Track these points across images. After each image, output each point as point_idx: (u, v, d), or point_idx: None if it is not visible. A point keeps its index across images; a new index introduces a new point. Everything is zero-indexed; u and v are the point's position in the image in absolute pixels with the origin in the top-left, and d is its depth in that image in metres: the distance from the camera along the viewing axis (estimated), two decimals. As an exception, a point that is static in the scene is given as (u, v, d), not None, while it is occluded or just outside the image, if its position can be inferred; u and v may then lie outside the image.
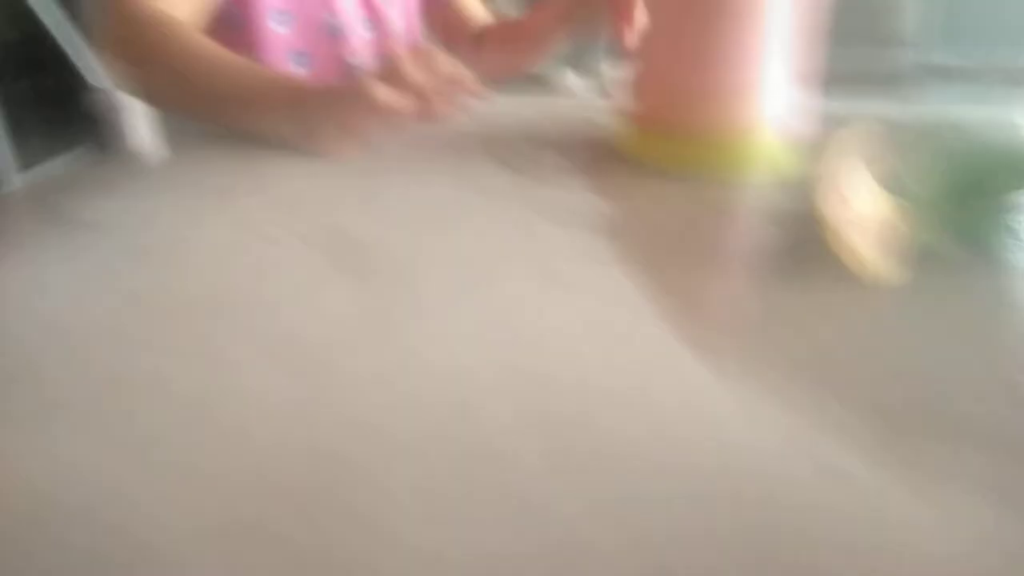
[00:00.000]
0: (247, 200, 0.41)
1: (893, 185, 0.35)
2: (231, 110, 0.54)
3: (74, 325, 0.28)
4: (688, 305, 0.30)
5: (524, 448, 0.21)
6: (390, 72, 0.48)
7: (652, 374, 0.25)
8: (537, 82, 1.02)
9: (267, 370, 0.25)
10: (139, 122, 0.94)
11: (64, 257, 0.34)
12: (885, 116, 0.59)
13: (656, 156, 0.49)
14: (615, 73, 0.51)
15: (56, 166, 2.69)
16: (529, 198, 0.42)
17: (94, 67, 2.27)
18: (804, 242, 0.36)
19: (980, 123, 0.58)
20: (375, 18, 0.81)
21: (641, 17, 0.49)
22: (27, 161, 2.51)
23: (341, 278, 0.32)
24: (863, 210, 0.32)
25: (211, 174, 0.46)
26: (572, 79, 1.04)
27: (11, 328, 0.28)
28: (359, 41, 0.79)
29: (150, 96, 0.61)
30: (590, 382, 0.24)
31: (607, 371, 0.25)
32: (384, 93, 0.47)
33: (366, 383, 0.24)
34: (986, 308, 0.30)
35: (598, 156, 0.51)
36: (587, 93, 1.04)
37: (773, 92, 0.46)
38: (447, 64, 0.49)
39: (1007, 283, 0.33)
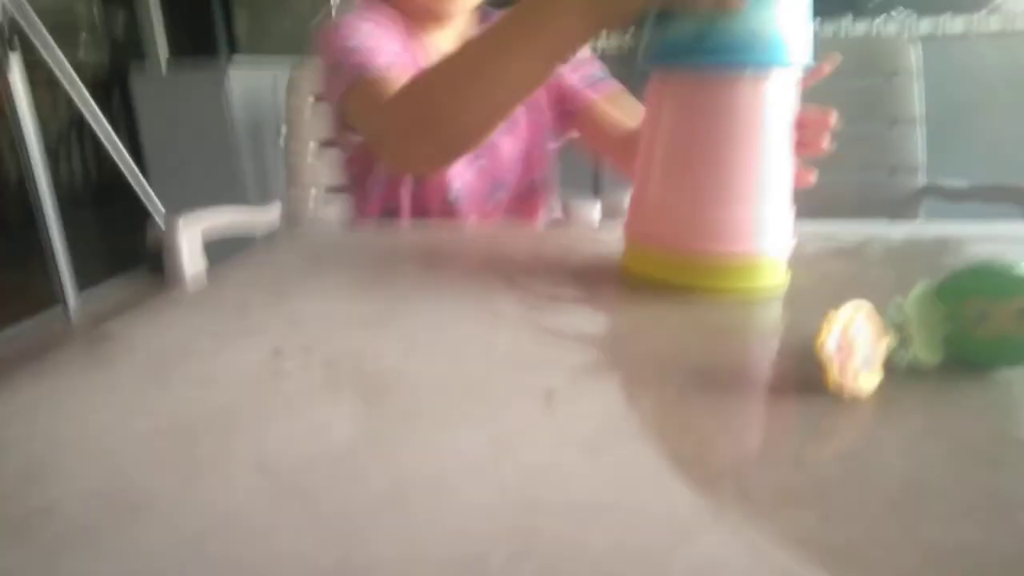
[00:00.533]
0: (271, 323, 0.43)
1: (890, 309, 0.36)
2: (517, 51, 0.50)
3: (85, 446, 0.30)
4: (683, 426, 0.30)
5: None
6: None
7: (646, 499, 0.25)
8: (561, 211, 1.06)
9: (267, 502, 0.26)
10: (186, 250, 1.01)
11: (90, 377, 0.36)
12: (888, 238, 0.61)
13: (654, 275, 0.50)
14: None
15: (112, 288, 2.85)
16: (537, 322, 0.43)
17: (152, 198, 2.45)
18: (798, 363, 0.37)
19: (984, 240, 0.60)
20: (492, 176, 0.83)
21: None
22: (85, 282, 2.66)
23: (350, 402, 0.33)
24: (855, 333, 0.33)
25: (242, 297, 0.49)
26: (593, 210, 1.09)
27: (22, 445, 0.30)
28: (464, 168, 0.82)
29: (458, 132, 0.56)
30: (585, 510, 0.25)
31: (600, 495, 0.26)
32: None
33: (360, 513, 0.25)
34: (981, 424, 0.30)
35: (607, 280, 0.53)
36: (605, 223, 1.08)
37: (770, 218, 0.48)
38: None
39: (1000, 399, 0.32)
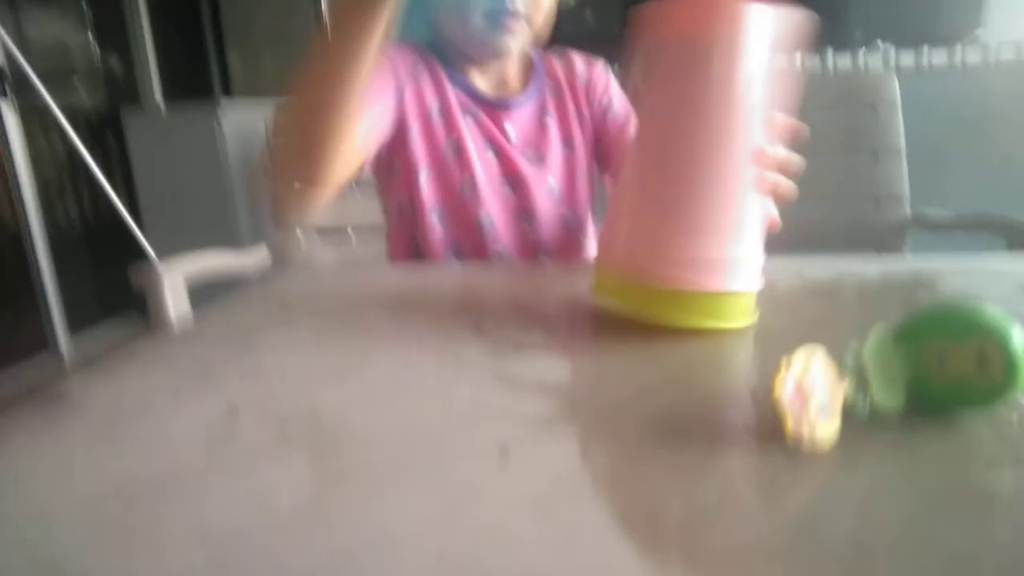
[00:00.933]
0: (231, 375, 0.43)
1: (847, 354, 0.35)
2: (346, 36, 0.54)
3: (27, 511, 0.29)
4: (637, 482, 0.30)
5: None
6: None
7: (592, 563, 0.25)
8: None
9: (200, 574, 0.25)
10: (170, 295, 1.01)
11: (38, 439, 0.36)
12: (863, 274, 0.61)
13: (620, 302, 0.50)
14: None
15: (105, 329, 2.84)
16: (500, 370, 0.43)
17: (142, 241, 2.46)
18: (760, 410, 0.36)
19: (960, 274, 0.60)
20: (524, 210, 0.85)
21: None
22: (78, 324, 2.66)
23: (299, 463, 0.33)
24: (811, 381, 0.33)
25: (205, 350, 0.48)
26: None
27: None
28: (505, 234, 0.84)
29: (310, 142, 0.61)
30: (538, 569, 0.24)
31: (547, 559, 0.25)
32: None
33: (305, 572, 0.24)
34: (941, 474, 0.30)
35: (575, 323, 0.53)
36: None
37: (743, 251, 0.48)
38: None
39: (962, 446, 0.32)
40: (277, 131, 0.64)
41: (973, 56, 2.03)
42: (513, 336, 0.49)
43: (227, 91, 3.61)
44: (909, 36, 2.50)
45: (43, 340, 2.52)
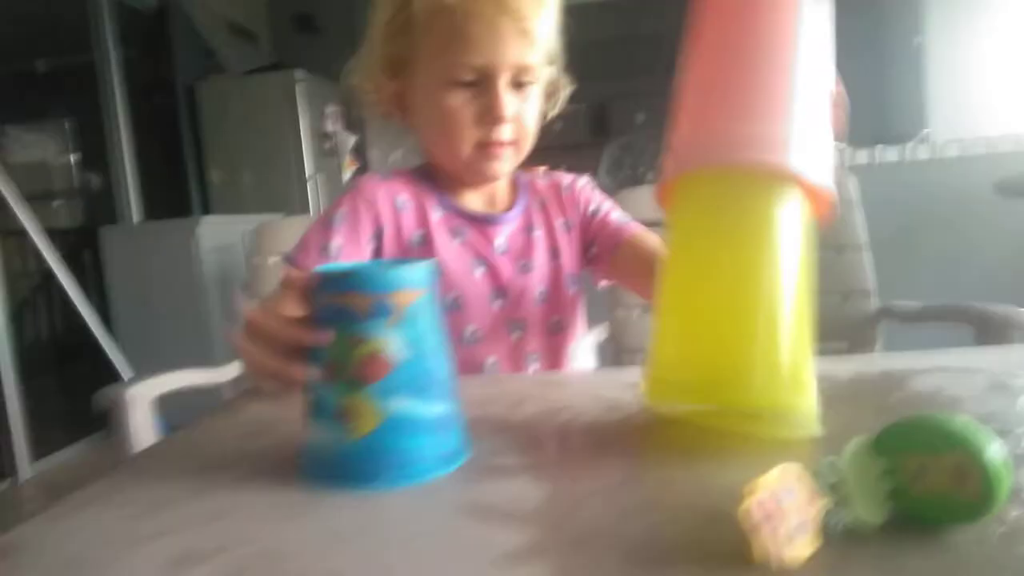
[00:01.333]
0: (184, 522, 0.41)
1: (823, 468, 0.34)
2: None
3: None
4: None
5: None
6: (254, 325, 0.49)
7: None
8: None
9: None
10: (136, 419, 0.98)
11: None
12: (835, 376, 0.61)
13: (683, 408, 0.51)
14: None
15: (70, 454, 2.73)
16: (473, 498, 0.41)
17: (113, 358, 2.41)
18: (726, 528, 0.35)
19: (932, 371, 0.59)
20: (514, 319, 0.85)
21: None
22: (41, 450, 2.56)
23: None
24: (784, 498, 0.32)
25: (160, 489, 0.46)
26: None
27: None
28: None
29: None
30: None
31: None
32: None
33: None
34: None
35: (550, 438, 0.52)
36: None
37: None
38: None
39: (945, 564, 0.31)
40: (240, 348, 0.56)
41: (922, 153, 2.15)
42: (486, 459, 0.47)
43: (206, 207, 3.67)
44: (862, 137, 2.65)
45: (1, 470, 2.41)
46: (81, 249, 2.95)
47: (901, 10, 3.74)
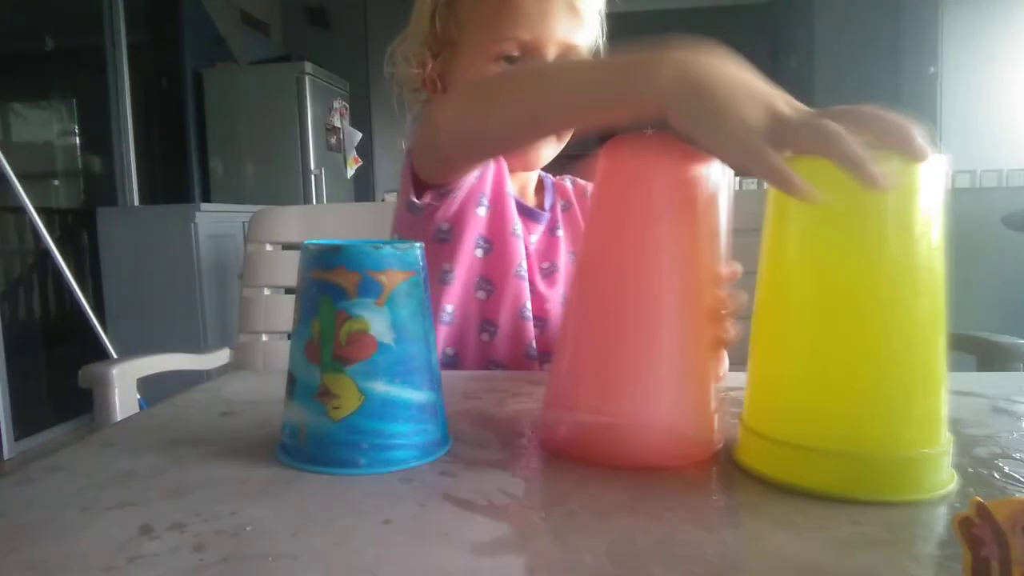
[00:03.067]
0: (150, 494, 0.39)
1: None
2: (602, 75, 0.50)
3: None
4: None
5: None
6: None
7: None
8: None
9: None
10: (119, 396, 0.96)
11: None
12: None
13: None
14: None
15: (54, 435, 2.70)
16: (448, 490, 0.40)
17: (105, 339, 2.39)
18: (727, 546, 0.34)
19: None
20: (537, 317, 0.83)
21: None
22: (25, 429, 2.53)
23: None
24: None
25: (130, 460, 0.45)
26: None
27: None
28: (535, 298, 0.82)
29: (488, 131, 0.59)
30: None
31: None
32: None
33: None
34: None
35: (534, 435, 0.50)
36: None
37: None
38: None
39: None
40: (451, 108, 0.62)
41: None
42: (467, 451, 0.46)
43: (206, 196, 3.66)
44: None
45: (-13, 446, 2.39)
46: (79, 230, 2.93)
47: (918, 40, 3.75)
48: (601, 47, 0.82)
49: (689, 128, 0.41)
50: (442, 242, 0.77)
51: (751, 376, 0.44)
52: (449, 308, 0.79)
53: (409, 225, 0.77)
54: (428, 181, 0.73)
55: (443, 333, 0.80)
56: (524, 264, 0.81)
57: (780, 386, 0.42)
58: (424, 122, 0.71)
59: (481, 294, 0.81)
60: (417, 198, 0.74)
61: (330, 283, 0.42)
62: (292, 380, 0.44)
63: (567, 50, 0.75)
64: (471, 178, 0.75)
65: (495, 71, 0.73)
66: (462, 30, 0.78)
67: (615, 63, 0.50)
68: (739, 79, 0.41)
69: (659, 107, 0.43)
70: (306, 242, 0.44)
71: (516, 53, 0.74)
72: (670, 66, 0.43)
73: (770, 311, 0.42)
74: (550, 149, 0.81)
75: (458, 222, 0.77)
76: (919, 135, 0.36)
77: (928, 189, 0.38)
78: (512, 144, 0.68)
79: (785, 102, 0.40)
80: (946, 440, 0.39)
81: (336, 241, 0.43)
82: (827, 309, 0.39)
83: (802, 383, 0.40)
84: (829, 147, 0.36)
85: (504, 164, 0.82)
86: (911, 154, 0.36)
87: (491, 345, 0.80)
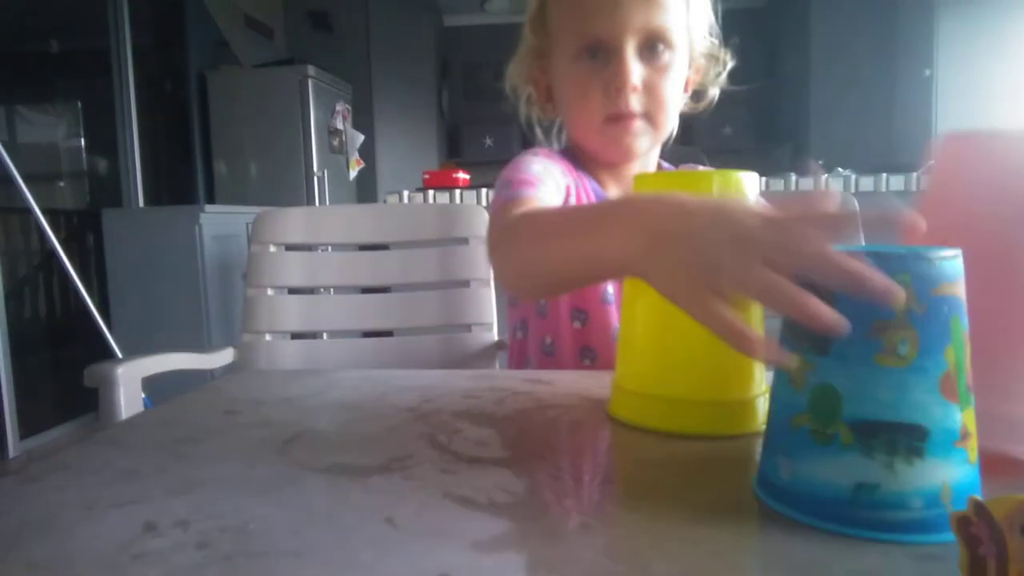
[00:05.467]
0: (155, 491, 0.40)
1: None
2: (576, 243, 0.48)
3: None
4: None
5: None
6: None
7: None
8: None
9: None
10: (124, 395, 0.97)
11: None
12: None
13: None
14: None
15: (59, 434, 2.71)
16: (449, 488, 0.40)
17: (110, 339, 2.40)
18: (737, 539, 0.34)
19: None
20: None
21: None
22: (30, 428, 2.54)
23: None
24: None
25: (134, 458, 0.45)
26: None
27: None
28: None
29: (524, 279, 0.59)
30: None
31: None
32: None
33: None
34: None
35: (533, 434, 0.50)
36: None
37: None
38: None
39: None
40: (504, 248, 0.61)
41: (928, 184, 2.13)
42: (466, 449, 0.46)
43: (210, 197, 3.67)
44: (869, 163, 2.65)
45: (-7, 446, 2.39)
46: (84, 231, 2.94)
47: (914, 42, 3.76)
48: (714, 32, 0.80)
49: (650, 283, 0.41)
50: None
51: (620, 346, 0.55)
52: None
53: None
54: None
55: (537, 325, 0.86)
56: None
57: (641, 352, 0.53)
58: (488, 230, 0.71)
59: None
60: None
61: (956, 299, 0.34)
62: (901, 431, 0.33)
63: (650, 36, 0.73)
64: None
65: (581, 68, 0.74)
66: (551, 36, 0.79)
67: (582, 225, 0.50)
68: (693, 224, 0.39)
69: (626, 270, 0.45)
70: (899, 248, 0.36)
71: (594, 47, 0.74)
72: (625, 226, 0.43)
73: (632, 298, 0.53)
74: (646, 139, 0.79)
75: None
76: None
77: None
78: (553, 291, 0.72)
79: (745, 226, 0.37)
80: (760, 389, 0.50)
81: (886, 246, 0.36)
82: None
83: (658, 352, 0.52)
84: (779, 303, 0.34)
85: (587, 183, 0.84)
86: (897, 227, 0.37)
87: (583, 332, 0.82)
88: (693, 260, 0.38)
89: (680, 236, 0.39)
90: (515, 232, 0.59)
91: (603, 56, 0.74)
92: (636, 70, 0.73)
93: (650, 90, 0.75)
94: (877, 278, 0.32)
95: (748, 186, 0.50)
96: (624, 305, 0.55)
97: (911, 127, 3.81)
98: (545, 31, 0.79)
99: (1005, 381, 0.41)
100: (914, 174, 2.17)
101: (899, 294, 0.32)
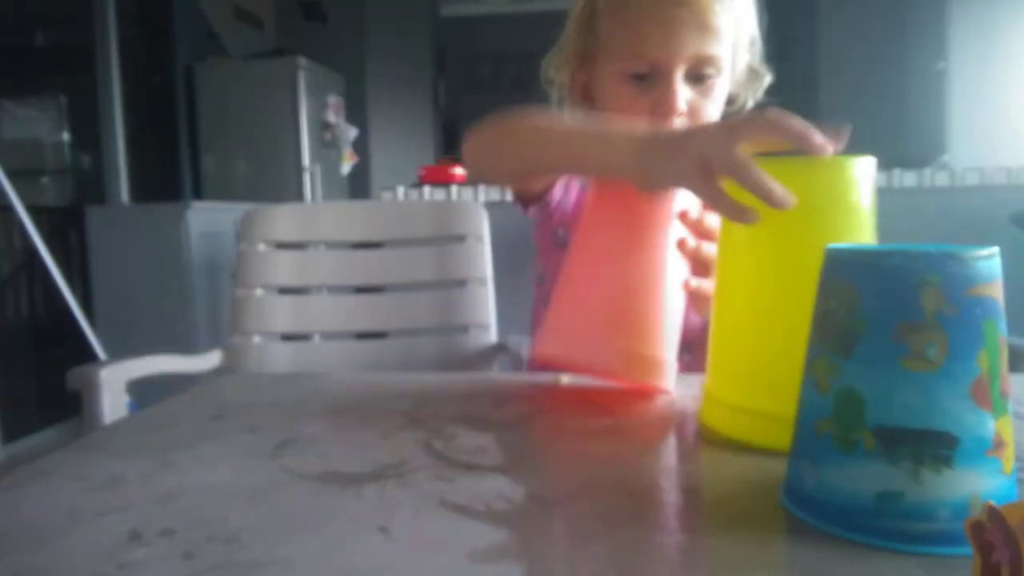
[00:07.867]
0: (140, 498, 0.39)
1: None
2: (574, 149, 0.63)
3: None
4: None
5: None
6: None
7: None
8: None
9: None
10: (108, 399, 0.95)
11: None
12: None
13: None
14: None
15: (43, 438, 2.68)
16: (444, 496, 0.39)
17: (93, 340, 2.37)
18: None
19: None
20: None
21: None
22: (13, 432, 2.50)
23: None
24: None
25: (119, 464, 0.44)
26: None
27: None
28: None
29: (499, 161, 0.74)
30: None
31: None
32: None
33: None
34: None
35: (532, 438, 0.50)
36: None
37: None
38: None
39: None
40: (479, 145, 0.73)
41: (941, 180, 2.13)
42: (461, 455, 0.45)
43: (197, 193, 3.63)
44: (881, 158, 2.63)
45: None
46: (67, 228, 2.90)
47: (926, 35, 3.66)
48: (757, 47, 0.82)
49: (646, 179, 0.55)
50: (563, 247, 0.78)
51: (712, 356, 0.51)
52: None
53: (536, 232, 0.87)
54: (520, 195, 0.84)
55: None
56: None
57: (735, 362, 0.49)
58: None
59: None
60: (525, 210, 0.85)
61: (991, 300, 0.33)
62: (928, 438, 0.32)
63: (700, 63, 0.74)
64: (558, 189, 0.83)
65: (628, 87, 0.78)
66: (600, 45, 0.79)
67: (594, 136, 0.64)
68: (672, 135, 0.56)
69: (622, 169, 0.57)
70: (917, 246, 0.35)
71: (644, 71, 0.75)
72: (625, 139, 0.57)
73: (725, 301, 0.50)
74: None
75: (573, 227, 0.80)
76: (817, 134, 0.45)
77: (852, 187, 0.47)
78: (514, 178, 0.82)
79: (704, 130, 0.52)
80: None
81: (918, 246, 0.35)
82: (769, 302, 0.46)
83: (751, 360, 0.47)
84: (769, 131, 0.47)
85: None
86: (812, 152, 0.45)
87: None
88: (676, 150, 0.51)
89: (661, 140, 0.54)
90: (507, 122, 0.69)
91: (652, 78, 0.75)
92: (683, 94, 0.75)
93: (694, 113, 0.76)
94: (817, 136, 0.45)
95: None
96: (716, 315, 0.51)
97: (923, 122, 3.68)
98: (594, 36, 0.80)
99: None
100: (927, 169, 2.16)
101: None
